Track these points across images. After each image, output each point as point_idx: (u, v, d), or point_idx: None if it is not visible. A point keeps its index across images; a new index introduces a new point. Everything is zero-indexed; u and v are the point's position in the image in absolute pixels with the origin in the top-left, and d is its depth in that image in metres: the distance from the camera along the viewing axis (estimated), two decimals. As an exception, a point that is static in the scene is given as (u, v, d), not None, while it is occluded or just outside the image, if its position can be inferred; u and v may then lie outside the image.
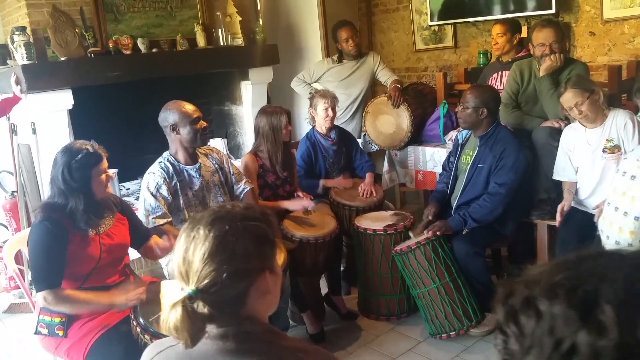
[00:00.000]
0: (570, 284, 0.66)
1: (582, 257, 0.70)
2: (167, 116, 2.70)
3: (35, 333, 2.24)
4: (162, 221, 2.61)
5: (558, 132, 3.10)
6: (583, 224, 2.88)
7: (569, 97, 2.79)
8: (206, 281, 1.06)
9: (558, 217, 2.95)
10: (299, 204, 3.20)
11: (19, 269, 2.68)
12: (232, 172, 2.97)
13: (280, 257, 2.47)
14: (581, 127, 2.91)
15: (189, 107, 2.72)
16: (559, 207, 2.96)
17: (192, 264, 1.07)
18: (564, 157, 2.99)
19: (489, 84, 3.89)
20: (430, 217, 3.14)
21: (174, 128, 2.69)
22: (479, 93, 3.03)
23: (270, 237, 1.13)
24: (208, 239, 1.07)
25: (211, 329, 1.09)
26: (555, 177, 3.06)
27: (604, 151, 2.83)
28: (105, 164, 2.25)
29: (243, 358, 1.05)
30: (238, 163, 3.44)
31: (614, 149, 2.80)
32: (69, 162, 2.15)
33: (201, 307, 1.06)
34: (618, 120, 2.81)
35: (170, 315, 1.04)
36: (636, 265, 0.68)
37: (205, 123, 2.75)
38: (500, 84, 3.86)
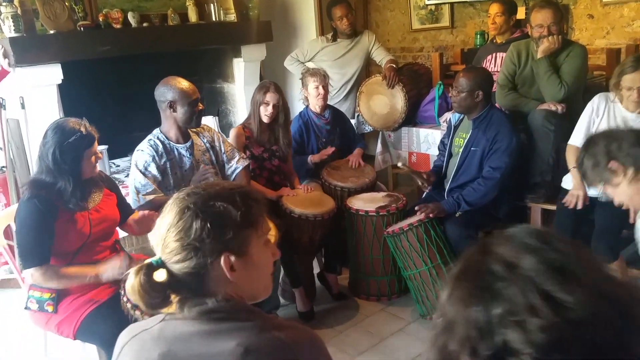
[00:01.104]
0: None
1: None
2: (166, 92, 2.63)
3: (25, 308, 2.23)
4: (152, 196, 2.58)
5: (554, 115, 3.07)
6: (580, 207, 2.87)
7: (637, 77, 2.64)
8: (167, 250, 1.09)
9: (580, 205, 2.79)
10: (279, 193, 3.19)
11: (8, 244, 2.65)
12: (223, 151, 2.93)
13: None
14: (619, 104, 2.80)
15: (190, 87, 2.66)
16: (580, 195, 2.77)
17: (160, 232, 1.11)
18: (588, 121, 2.85)
19: (484, 66, 3.85)
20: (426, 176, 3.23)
21: (172, 105, 2.63)
22: (473, 76, 2.99)
23: (235, 220, 1.09)
24: (172, 212, 1.11)
25: (185, 307, 1.09)
26: (573, 141, 2.91)
27: None
28: (96, 145, 2.21)
29: (218, 338, 1.04)
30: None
31: None
32: (60, 142, 2.10)
33: (162, 276, 1.09)
34: None
35: (130, 280, 1.09)
36: None
37: (202, 105, 2.71)
38: (495, 66, 3.82)
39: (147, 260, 1.11)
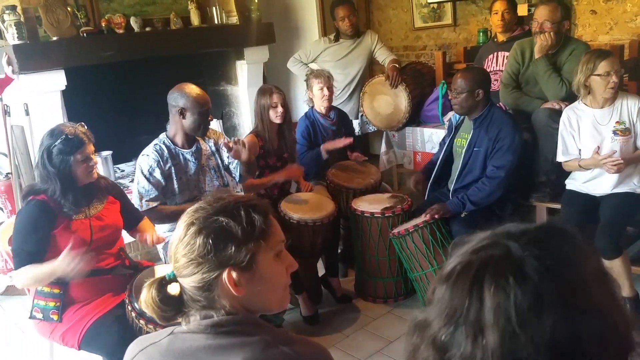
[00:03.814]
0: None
1: None
2: (178, 98, 2.64)
3: (31, 317, 2.23)
4: (154, 203, 2.60)
5: (558, 113, 3.05)
6: (585, 206, 2.87)
7: (613, 61, 2.72)
8: (177, 265, 1.11)
9: (615, 164, 2.68)
10: (286, 172, 3.17)
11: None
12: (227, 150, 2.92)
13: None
14: (586, 108, 2.86)
15: (202, 97, 2.67)
16: (605, 155, 2.72)
17: (172, 246, 1.13)
18: (569, 137, 2.91)
19: (485, 65, 3.84)
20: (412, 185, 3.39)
21: (182, 112, 2.64)
22: (471, 75, 2.97)
23: (236, 235, 1.08)
24: (181, 226, 1.12)
25: (192, 319, 1.10)
26: (562, 158, 2.95)
27: (614, 133, 2.79)
28: (89, 149, 2.18)
29: (224, 354, 1.04)
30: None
31: (625, 132, 2.78)
32: (49, 146, 2.12)
33: (175, 290, 1.12)
34: (630, 104, 2.79)
35: (144, 294, 1.12)
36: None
37: (212, 116, 2.73)
38: (497, 65, 3.80)
39: (161, 274, 1.14)
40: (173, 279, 1.12)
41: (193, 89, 2.66)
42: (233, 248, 1.08)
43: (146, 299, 1.11)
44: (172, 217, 2.66)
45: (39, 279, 2.10)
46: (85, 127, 2.24)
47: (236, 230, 1.08)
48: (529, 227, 0.75)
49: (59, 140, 2.11)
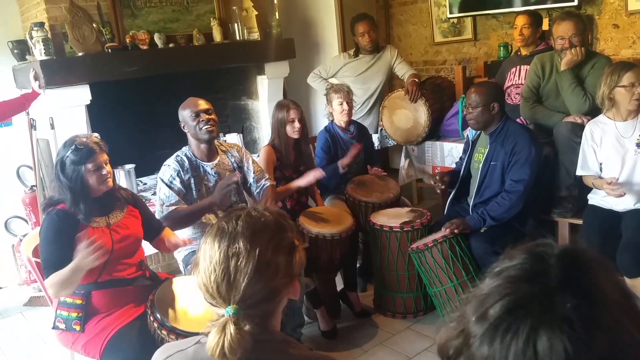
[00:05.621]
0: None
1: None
2: (179, 116, 2.78)
3: (53, 328, 2.26)
4: (174, 207, 2.64)
5: (580, 127, 3.03)
6: (607, 222, 2.83)
7: (638, 72, 2.70)
8: (254, 298, 1.06)
9: (614, 192, 2.72)
10: (309, 177, 3.13)
11: (36, 262, 2.70)
12: (252, 170, 2.95)
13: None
14: (609, 121, 2.85)
15: (193, 103, 2.76)
16: (609, 181, 2.73)
17: (237, 281, 1.05)
18: (590, 151, 2.90)
19: (508, 78, 3.82)
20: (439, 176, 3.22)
21: (183, 126, 2.77)
22: (485, 90, 2.96)
23: (295, 244, 1.13)
24: (252, 256, 1.06)
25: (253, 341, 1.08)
26: (581, 172, 2.94)
27: (638, 145, 2.76)
28: (100, 158, 2.20)
29: None
30: (257, 158, 3.42)
31: None
32: (62, 157, 2.17)
33: (245, 324, 1.04)
34: None
35: (221, 339, 1.01)
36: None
37: (208, 116, 2.75)
38: (519, 78, 3.78)
39: (228, 314, 1.04)
40: (240, 313, 1.04)
41: (186, 101, 2.79)
42: (297, 259, 1.12)
43: (236, 338, 1.01)
44: (188, 218, 2.69)
45: (63, 280, 2.05)
46: (99, 137, 2.29)
47: (294, 238, 1.14)
48: (552, 265, 0.69)
49: (69, 151, 2.15)
